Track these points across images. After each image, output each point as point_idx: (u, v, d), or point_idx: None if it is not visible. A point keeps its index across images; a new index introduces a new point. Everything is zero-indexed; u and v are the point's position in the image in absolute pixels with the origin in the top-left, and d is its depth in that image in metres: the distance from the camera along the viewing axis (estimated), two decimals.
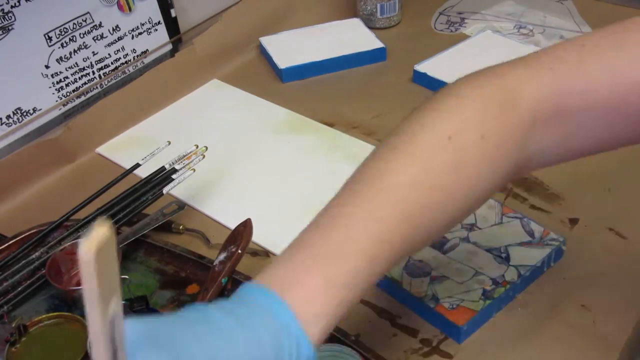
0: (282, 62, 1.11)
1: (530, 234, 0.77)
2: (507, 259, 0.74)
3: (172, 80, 1.07)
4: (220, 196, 0.89)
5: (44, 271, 0.74)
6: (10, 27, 0.95)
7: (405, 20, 1.24)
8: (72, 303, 0.74)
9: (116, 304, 0.37)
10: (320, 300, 0.46)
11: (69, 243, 0.77)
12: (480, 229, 0.78)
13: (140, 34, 1.12)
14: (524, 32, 1.18)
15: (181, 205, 0.82)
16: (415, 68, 1.07)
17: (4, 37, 0.95)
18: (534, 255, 0.74)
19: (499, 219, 0.79)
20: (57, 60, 1.01)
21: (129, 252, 0.79)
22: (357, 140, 0.96)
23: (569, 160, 0.57)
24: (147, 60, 1.14)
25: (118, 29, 1.09)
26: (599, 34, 0.57)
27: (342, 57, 1.11)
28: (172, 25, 1.17)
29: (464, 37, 1.16)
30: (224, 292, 0.73)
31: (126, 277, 0.74)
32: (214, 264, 0.74)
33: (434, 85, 1.05)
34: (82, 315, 0.71)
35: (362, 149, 0.95)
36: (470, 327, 0.69)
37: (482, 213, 0.79)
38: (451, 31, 1.21)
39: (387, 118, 1.01)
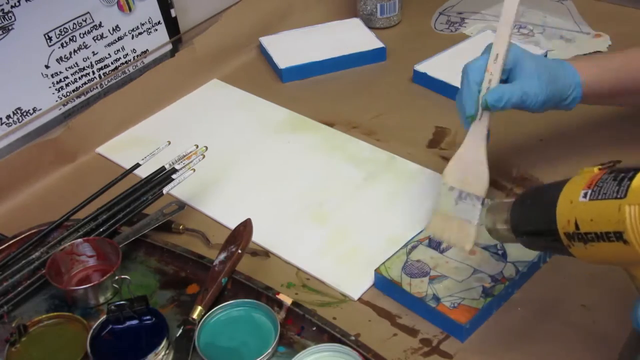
0: (282, 62, 1.11)
1: None
2: (504, 255, 0.74)
3: (172, 80, 1.07)
4: (220, 196, 0.89)
5: (44, 271, 0.74)
6: (10, 27, 0.95)
7: (405, 20, 1.24)
8: (72, 303, 0.74)
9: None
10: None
11: (68, 243, 0.76)
12: None
13: (140, 34, 1.12)
14: (524, 32, 1.18)
15: (181, 205, 0.82)
16: (415, 68, 1.07)
17: (4, 37, 0.95)
18: (530, 251, 0.74)
19: None
20: (57, 60, 1.02)
21: (129, 252, 0.79)
22: (357, 140, 0.96)
23: None
24: (147, 60, 1.14)
25: (118, 29, 1.09)
26: None
27: (342, 57, 1.11)
28: (172, 25, 1.17)
29: (464, 37, 1.16)
30: (223, 292, 0.73)
31: (126, 277, 0.74)
32: (214, 264, 0.74)
33: (434, 85, 1.05)
34: (82, 315, 0.72)
35: (362, 149, 0.95)
36: (472, 325, 0.69)
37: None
38: (451, 31, 1.21)
39: (387, 118, 1.01)
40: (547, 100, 0.76)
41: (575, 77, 0.79)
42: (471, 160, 0.73)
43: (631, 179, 0.50)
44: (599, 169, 0.55)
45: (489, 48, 0.74)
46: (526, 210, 0.61)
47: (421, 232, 0.78)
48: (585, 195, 0.53)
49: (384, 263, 0.74)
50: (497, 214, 0.65)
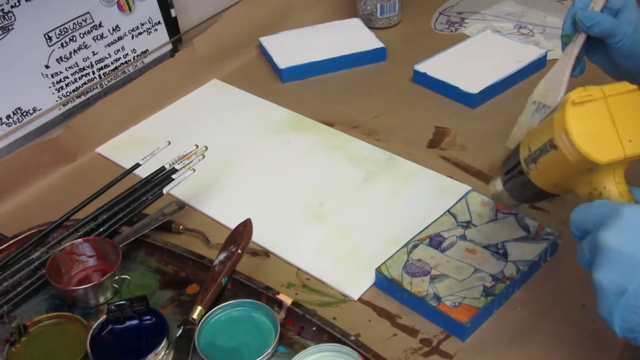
0: (282, 62, 1.11)
1: (526, 229, 0.77)
2: (505, 255, 0.74)
3: (172, 80, 1.07)
4: (220, 196, 0.89)
5: (44, 271, 0.74)
6: (10, 27, 0.95)
7: (405, 20, 1.24)
8: (72, 303, 0.74)
9: None
10: None
11: (68, 243, 0.76)
12: (475, 226, 0.78)
13: (140, 34, 1.12)
14: (524, 32, 1.18)
15: (181, 205, 0.82)
16: (415, 68, 1.07)
17: (4, 37, 0.95)
18: (531, 250, 0.74)
19: (493, 215, 0.79)
20: (57, 60, 1.02)
21: (129, 252, 0.79)
22: (357, 140, 0.96)
23: None
24: (147, 60, 1.14)
25: (118, 29, 1.09)
26: None
27: (342, 57, 1.11)
28: (172, 25, 1.17)
29: (464, 37, 1.16)
30: (223, 292, 0.73)
31: (126, 277, 0.74)
32: (214, 264, 0.74)
33: (434, 85, 1.05)
34: (82, 315, 0.72)
35: (362, 149, 0.95)
36: (473, 324, 0.69)
37: (476, 210, 0.79)
38: (451, 31, 1.21)
39: (387, 118, 1.01)
40: (633, 50, 0.76)
41: None
42: (555, 77, 0.79)
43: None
44: None
45: None
46: (506, 157, 0.68)
47: (422, 231, 0.78)
48: (539, 123, 0.60)
49: (384, 262, 0.74)
50: (495, 178, 0.70)
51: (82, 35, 1.04)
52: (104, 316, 0.69)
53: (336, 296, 0.75)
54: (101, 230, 0.79)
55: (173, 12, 1.16)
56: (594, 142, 0.53)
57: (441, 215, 0.80)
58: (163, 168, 0.83)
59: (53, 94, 1.02)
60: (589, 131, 0.53)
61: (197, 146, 0.84)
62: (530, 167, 0.60)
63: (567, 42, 0.79)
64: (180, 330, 0.69)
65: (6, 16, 0.94)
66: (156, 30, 1.15)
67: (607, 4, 0.76)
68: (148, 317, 0.69)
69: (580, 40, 0.78)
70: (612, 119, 0.54)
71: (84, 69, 1.05)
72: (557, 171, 0.58)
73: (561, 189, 0.61)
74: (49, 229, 0.80)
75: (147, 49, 1.14)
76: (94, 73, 1.07)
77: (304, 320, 0.69)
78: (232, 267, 0.73)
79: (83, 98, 1.05)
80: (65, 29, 1.02)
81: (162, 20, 1.15)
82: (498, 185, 0.69)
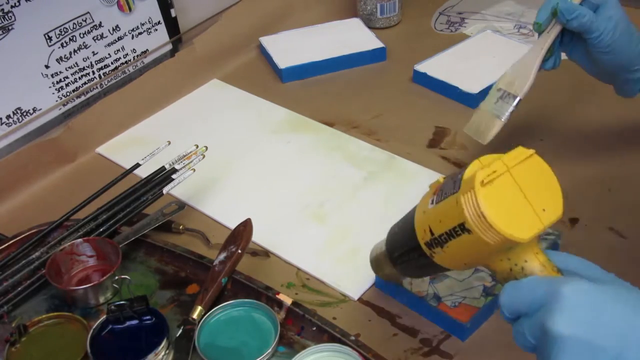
0: (282, 62, 1.11)
1: None
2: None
3: (172, 80, 1.07)
4: (220, 196, 0.89)
5: (44, 271, 0.74)
6: (10, 27, 0.95)
7: (405, 20, 1.24)
8: (72, 303, 0.74)
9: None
10: None
11: (68, 243, 0.76)
12: None
13: (140, 34, 1.12)
14: (524, 32, 1.18)
15: (181, 205, 0.82)
16: (415, 68, 1.07)
17: (4, 37, 0.95)
18: None
19: None
20: (57, 60, 1.02)
21: (129, 252, 0.79)
22: (357, 140, 0.96)
23: None
24: (147, 60, 1.14)
25: (118, 29, 1.09)
26: None
27: (342, 57, 1.11)
28: (172, 25, 1.17)
29: (464, 37, 1.16)
30: (223, 292, 0.73)
31: (126, 277, 0.74)
32: (214, 264, 0.74)
33: (434, 85, 1.05)
34: (82, 315, 0.72)
35: (362, 149, 0.95)
36: (474, 324, 0.69)
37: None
38: (451, 31, 1.21)
39: (387, 118, 1.01)
40: (613, 48, 0.75)
41: None
42: (524, 65, 0.80)
43: (462, 173, 0.52)
44: (443, 178, 0.57)
45: None
46: (394, 236, 0.64)
47: None
48: (432, 202, 0.55)
49: None
50: (378, 249, 0.67)
51: (82, 35, 1.04)
52: (104, 316, 0.69)
53: (336, 296, 0.75)
54: (101, 230, 0.79)
55: (173, 12, 1.16)
56: (512, 221, 0.50)
57: None
58: (163, 168, 0.83)
59: (53, 94, 1.02)
60: (504, 210, 0.50)
61: (197, 146, 0.84)
62: (434, 251, 0.56)
63: (538, 30, 0.79)
64: (180, 330, 0.69)
65: (6, 16, 0.94)
66: (156, 30, 1.15)
67: None
68: (148, 317, 0.69)
69: (554, 31, 0.78)
70: (522, 191, 0.51)
71: (84, 69, 1.06)
72: (471, 253, 0.53)
73: (473, 266, 0.59)
74: (49, 229, 0.79)
75: (147, 49, 1.14)
76: (94, 73, 1.07)
77: (304, 320, 0.69)
78: (232, 267, 0.73)
79: (83, 98, 1.05)
80: (65, 29, 1.02)
81: (162, 20, 1.15)
82: (386, 267, 0.65)
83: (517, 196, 0.51)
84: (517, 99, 0.79)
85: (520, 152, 0.52)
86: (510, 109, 0.80)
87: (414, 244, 0.58)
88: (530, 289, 0.49)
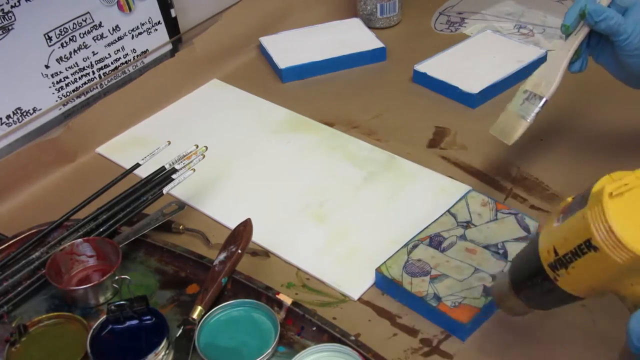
0: (282, 62, 1.11)
1: (526, 229, 0.77)
2: (505, 255, 0.74)
3: (172, 80, 1.07)
4: (220, 196, 0.89)
5: (44, 271, 0.74)
6: (10, 27, 0.95)
7: (405, 20, 1.24)
8: (72, 303, 0.74)
9: None
10: None
11: (68, 243, 0.76)
12: (476, 226, 0.78)
13: (140, 34, 1.12)
14: (524, 32, 1.18)
15: (181, 205, 0.82)
16: (415, 68, 1.07)
17: (4, 37, 0.95)
18: None
19: (493, 215, 0.79)
20: (57, 60, 1.02)
21: (129, 252, 0.79)
22: (357, 140, 0.96)
23: None
24: (147, 60, 1.14)
25: (118, 29, 1.09)
26: None
27: (342, 57, 1.11)
28: (172, 25, 1.17)
29: (464, 37, 1.16)
30: (223, 292, 0.73)
31: (126, 277, 0.74)
32: (214, 264, 0.74)
33: (434, 85, 1.05)
34: (82, 315, 0.72)
35: (362, 149, 0.95)
36: (473, 324, 0.69)
37: (476, 210, 0.79)
38: (451, 31, 1.21)
39: (387, 118, 1.01)
40: (639, 50, 0.74)
41: None
42: (551, 67, 0.80)
43: (591, 188, 0.50)
44: (572, 198, 0.54)
45: None
46: (517, 261, 0.61)
47: (422, 231, 0.78)
48: (558, 221, 0.52)
49: (384, 262, 0.74)
50: (500, 278, 0.64)
51: (82, 35, 1.04)
52: (104, 316, 0.69)
53: (336, 296, 0.75)
54: (101, 230, 0.79)
55: (173, 12, 1.16)
56: None
57: (441, 215, 0.80)
58: (163, 168, 0.83)
59: (53, 94, 1.02)
60: (634, 225, 0.46)
61: (197, 146, 0.84)
62: (559, 273, 0.52)
63: (565, 33, 0.78)
64: (180, 330, 0.69)
65: (6, 16, 0.94)
66: (156, 30, 1.15)
67: (616, 1, 0.76)
68: (148, 317, 0.69)
69: (582, 33, 0.77)
70: None
71: (84, 69, 1.05)
72: (597, 275, 0.50)
73: (600, 292, 0.54)
74: (49, 229, 0.79)
75: (147, 49, 1.14)
76: (94, 73, 1.07)
77: (304, 320, 0.69)
78: (232, 267, 0.73)
79: (83, 98, 1.05)
80: (65, 29, 1.02)
81: (162, 20, 1.15)
82: (509, 298, 0.61)
83: None
84: (543, 99, 0.79)
85: None
86: (536, 109, 0.79)
87: (537, 267, 0.54)
88: None
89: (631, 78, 0.80)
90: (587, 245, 0.48)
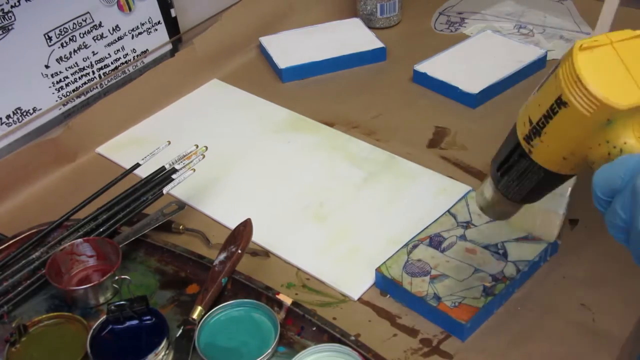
0: (282, 62, 1.11)
1: None
2: (505, 255, 0.74)
3: (172, 80, 1.07)
4: (220, 196, 0.89)
5: (44, 271, 0.74)
6: (10, 27, 0.95)
7: (405, 20, 1.24)
8: (72, 303, 0.74)
9: None
10: None
11: (68, 243, 0.76)
12: (475, 226, 0.78)
13: (140, 33, 1.12)
14: (524, 32, 1.18)
15: (181, 205, 0.82)
16: (415, 68, 1.07)
17: (4, 37, 0.95)
18: (531, 250, 0.74)
19: None
20: (57, 60, 1.02)
21: (129, 252, 0.79)
22: (357, 140, 0.96)
23: None
24: (147, 60, 1.14)
25: (118, 28, 1.09)
26: None
27: (342, 57, 1.11)
28: (172, 25, 1.17)
29: (464, 37, 1.16)
30: (223, 292, 0.73)
31: (126, 277, 0.74)
32: (214, 264, 0.74)
33: (434, 85, 1.05)
34: (82, 315, 0.72)
35: (362, 149, 0.95)
36: (473, 324, 0.69)
37: (476, 210, 0.79)
38: (451, 31, 1.21)
39: (387, 118, 1.01)
40: None
41: None
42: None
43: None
44: None
45: None
46: (498, 150, 0.61)
47: (422, 231, 0.78)
48: (534, 93, 0.53)
49: (384, 262, 0.74)
50: (485, 182, 0.65)
51: (82, 35, 1.04)
52: (104, 316, 0.69)
53: (336, 296, 0.75)
54: (101, 230, 0.79)
55: (173, 12, 1.16)
56: (610, 87, 0.47)
57: (441, 215, 0.80)
58: (163, 168, 0.83)
59: (53, 93, 1.02)
60: (602, 76, 0.47)
61: (197, 146, 0.84)
62: (533, 144, 0.53)
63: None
64: (180, 330, 0.69)
65: (6, 16, 0.94)
66: (156, 30, 1.15)
67: None
68: (148, 317, 0.69)
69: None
70: (624, 64, 0.48)
71: (84, 69, 1.06)
72: (568, 136, 0.51)
73: (572, 162, 0.54)
74: (49, 229, 0.79)
75: (147, 49, 1.14)
76: (94, 73, 1.07)
77: (304, 320, 0.69)
78: (232, 267, 0.73)
79: (83, 98, 1.05)
80: (65, 29, 1.02)
81: (162, 20, 1.15)
82: (487, 190, 0.63)
83: (617, 66, 0.48)
84: (569, 190, 0.73)
85: (627, 32, 0.50)
86: (566, 201, 0.73)
87: (514, 144, 0.56)
88: (624, 162, 0.48)
89: None
90: (558, 103, 0.49)
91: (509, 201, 0.62)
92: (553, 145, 0.52)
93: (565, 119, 0.50)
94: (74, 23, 1.02)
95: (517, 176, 0.58)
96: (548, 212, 0.74)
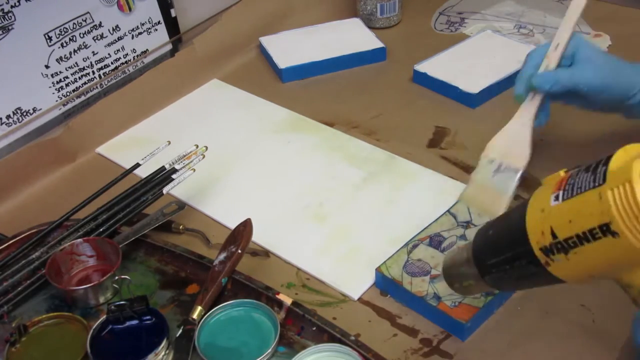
0: (282, 62, 1.11)
1: None
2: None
3: (172, 80, 1.07)
4: (220, 196, 0.89)
5: (44, 271, 0.74)
6: (10, 27, 0.95)
7: (405, 20, 1.24)
8: (72, 303, 0.74)
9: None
10: None
11: (68, 243, 0.76)
12: (476, 226, 0.78)
13: (140, 34, 1.12)
14: (524, 32, 1.18)
15: (181, 205, 0.82)
16: (415, 68, 1.07)
17: (4, 37, 0.95)
18: None
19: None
20: (57, 60, 1.02)
21: (129, 252, 0.79)
22: (357, 140, 0.96)
23: None
24: (147, 60, 1.14)
25: (118, 28, 1.09)
26: None
27: (342, 57, 1.11)
28: (172, 25, 1.17)
29: (464, 37, 1.16)
30: (223, 292, 0.73)
31: (126, 277, 0.74)
32: (214, 264, 0.74)
33: (434, 85, 1.05)
34: (82, 315, 0.72)
35: (362, 149, 0.95)
36: (474, 324, 0.69)
37: (476, 210, 0.79)
38: (451, 31, 1.21)
39: (387, 118, 1.01)
40: (603, 89, 0.75)
41: None
42: (515, 135, 0.77)
43: (606, 163, 0.45)
44: (565, 172, 0.50)
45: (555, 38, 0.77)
46: (490, 240, 0.54)
47: (422, 231, 0.78)
48: (557, 198, 0.47)
49: (384, 262, 0.74)
50: (457, 255, 0.59)
51: (82, 35, 1.04)
52: (104, 316, 0.69)
53: (336, 296, 0.75)
54: (101, 230, 0.79)
55: (173, 12, 1.16)
56: None
57: (441, 215, 0.80)
58: (163, 168, 0.83)
59: (53, 94, 1.02)
60: None
61: (197, 146, 0.84)
62: (553, 258, 0.47)
63: (520, 102, 0.78)
64: (180, 330, 0.69)
65: (6, 16, 0.94)
66: (156, 30, 1.15)
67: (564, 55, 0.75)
68: (148, 317, 0.69)
69: (537, 99, 0.77)
70: None
71: (84, 69, 1.06)
72: (607, 261, 0.45)
73: (600, 278, 0.49)
74: (49, 229, 0.80)
75: (147, 49, 1.14)
76: (94, 73, 1.07)
77: (304, 320, 0.69)
78: (232, 267, 0.73)
79: (83, 98, 1.05)
80: (65, 29, 1.02)
81: (162, 20, 1.15)
82: (468, 278, 0.57)
83: None
84: (519, 172, 0.75)
85: None
86: (514, 184, 0.75)
87: (523, 249, 0.49)
88: None
89: (605, 109, 0.80)
90: (604, 230, 0.43)
91: (487, 285, 0.57)
92: (583, 265, 0.47)
93: (609, 247, 0.44)
94: (74, 23, 1.02)
95: (516, 277, 0.52)
96: (497, 193, 0.76)
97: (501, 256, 0.52)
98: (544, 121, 0.80)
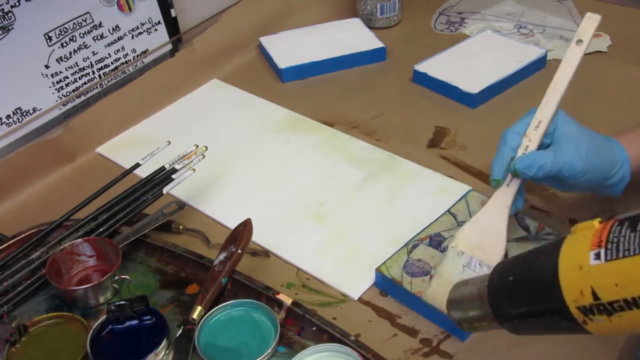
0: (282, 62, 1.11)
1: (526, 229, 0.77)
2: (505, 255, 0.74)
3: (172, 80, 1.07)
4: (220, 196, 0.89)
5: (44, 271, 0.74)
6: (10, 27, 0.95)
7: (405, 20, 1.24)
8: (72, 303, 0.74)
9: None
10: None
11: (68, 243, 0.76)
12: None
13: (140, 34, 1.12)
14: (524, 32, 1.18)
15: (181, 205, 0.82)
16: (415, 68, 1.07)
17: (4, 37, 0.95)
18: None
19: None
20: (57, 60, 1.02)
21: (129, 252, 0.79)
22: (357, 140, 0.96)
23: None
24: (147, 60, 1.14)
25: (118, 29, 1.09)
26: None
27: (342, 57, 1.11)
28: (172, 25, 1.17)
29: (464, 37, 1.16)
30: (223, 292, 0.73)
31: (126, 277, 0.74)
32: (214, 264, 0.74)
33: (434, 85, 1.05)
34: (82, 315, 0.72)
35: (362, 149, 0.95)
36: None
37: (476, 210, 0.79)
38: (451, 31, 1.21)
39: (387, 118, 1.01)
40: (586, 170, 0.69)
41: (622, 154, 0.71)
42: (489, 227, 0.69)
43: None
44: (600, 222, 0.46)
45: (530, 112, 0.71)
46: (513, 288, 0.50)
47: (422, 231, 0.78)
48: (598, 256, 0.43)
49: (384, 262, 0.74)
50: (467, 296, 0.55)
51: (82, 35, 1.04)
52: (104, 316, 0.69)
53: (336, 296, 0.75)
54: (101, 230, 0.79)
55: (173, 12, 1.16)
56: None
57: (441, 215, 0.80)
58: (163, 168, 0.83)
59: (53, 94, 1.02)
60: None
61: (197, 146, 0.84)
62: (592, 318, 0.44)
63: (497, 187, 0.70)
64: (180, 330, 0.69)
65: (6, 16, 0.94)
66: (156, 30, 1.15)
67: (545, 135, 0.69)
68: (148, 317, 0.69)
69: (515, 185, 0.70)
70: None
71: (84, 69, 1.06)
72: None
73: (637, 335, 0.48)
74: (49, 229, 0.79)
75: (147, 49, 1.14)
76: (94, 73, 1.07)
77: (304, 320, 0.69)
78: (232, 267, 0.73)
79: (83, 98, 1.05)
80: (65, 29, 1.02)
81: (162, 20, 1.15)
82: (484, 318, 0.52)
83: None
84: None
85: None
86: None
87: (556, 305, 0.45)
88: None
89: (584, 189, 0.75)
90: None
91: (502, 328, 0.53)
92: (626, 326, 0.44)
93: None
94: (74, 23, 1.02)
95: (543, 328, 0.48)
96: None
97: (527, 308, 0.49)
98: (521, 205, 0.72)
